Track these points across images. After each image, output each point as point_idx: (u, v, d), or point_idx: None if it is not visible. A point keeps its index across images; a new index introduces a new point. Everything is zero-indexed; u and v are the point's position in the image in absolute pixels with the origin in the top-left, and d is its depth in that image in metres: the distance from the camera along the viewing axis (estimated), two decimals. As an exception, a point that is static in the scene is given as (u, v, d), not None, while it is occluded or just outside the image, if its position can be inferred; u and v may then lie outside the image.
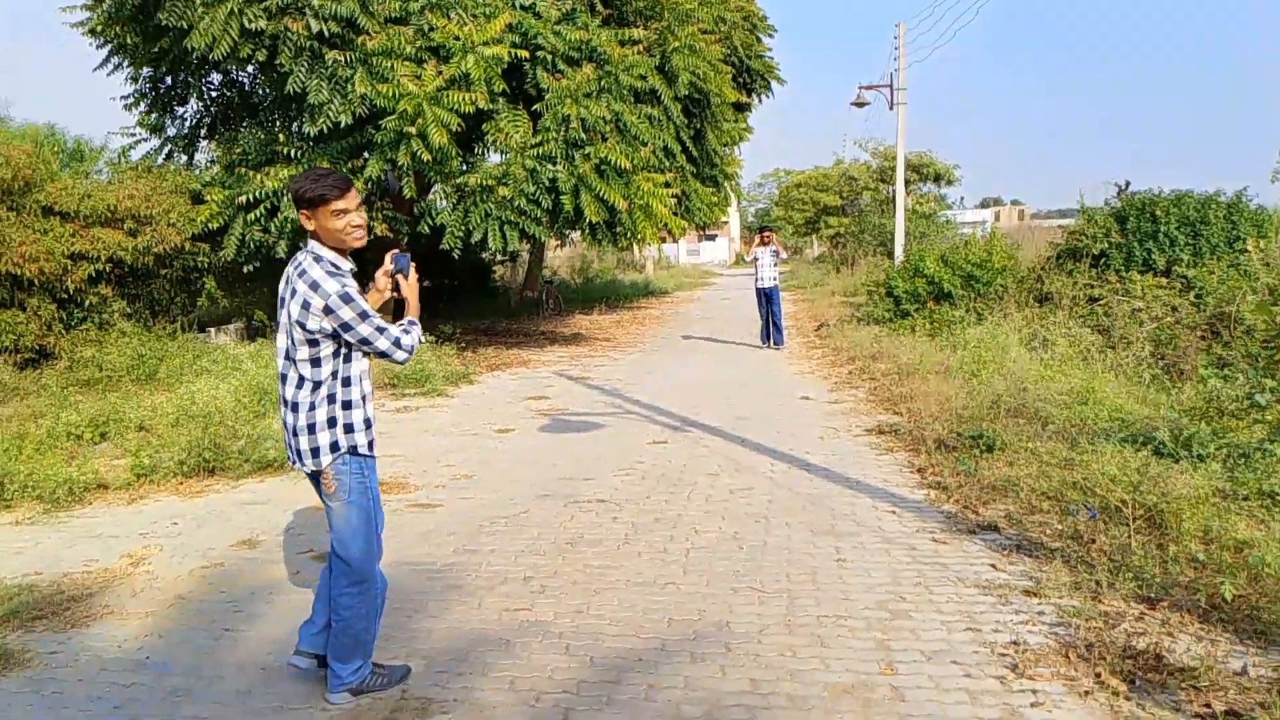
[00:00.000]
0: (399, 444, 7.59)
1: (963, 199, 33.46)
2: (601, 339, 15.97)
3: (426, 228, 12.30)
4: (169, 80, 13.95)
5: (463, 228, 11.78)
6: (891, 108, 23.17)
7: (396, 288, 3.30)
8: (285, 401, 3.12)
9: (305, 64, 10.76)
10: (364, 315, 3.01)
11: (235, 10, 10.33)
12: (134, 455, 6.60)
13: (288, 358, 3.07)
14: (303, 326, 2.97)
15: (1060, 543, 4.58)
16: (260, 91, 14.05)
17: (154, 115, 13.98)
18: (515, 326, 17.69)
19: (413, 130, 10.65)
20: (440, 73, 10.70)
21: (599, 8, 12.47)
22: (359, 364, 3.16)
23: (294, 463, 3.17)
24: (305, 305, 2.94)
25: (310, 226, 3.05)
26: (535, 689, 3.32)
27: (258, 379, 8.33)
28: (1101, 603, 3.85)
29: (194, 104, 14.27)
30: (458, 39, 10.77)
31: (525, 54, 11.38)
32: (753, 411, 8.59)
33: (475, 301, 20.40)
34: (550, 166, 11.63)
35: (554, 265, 31.55)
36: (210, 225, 11.97)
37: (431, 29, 10.86)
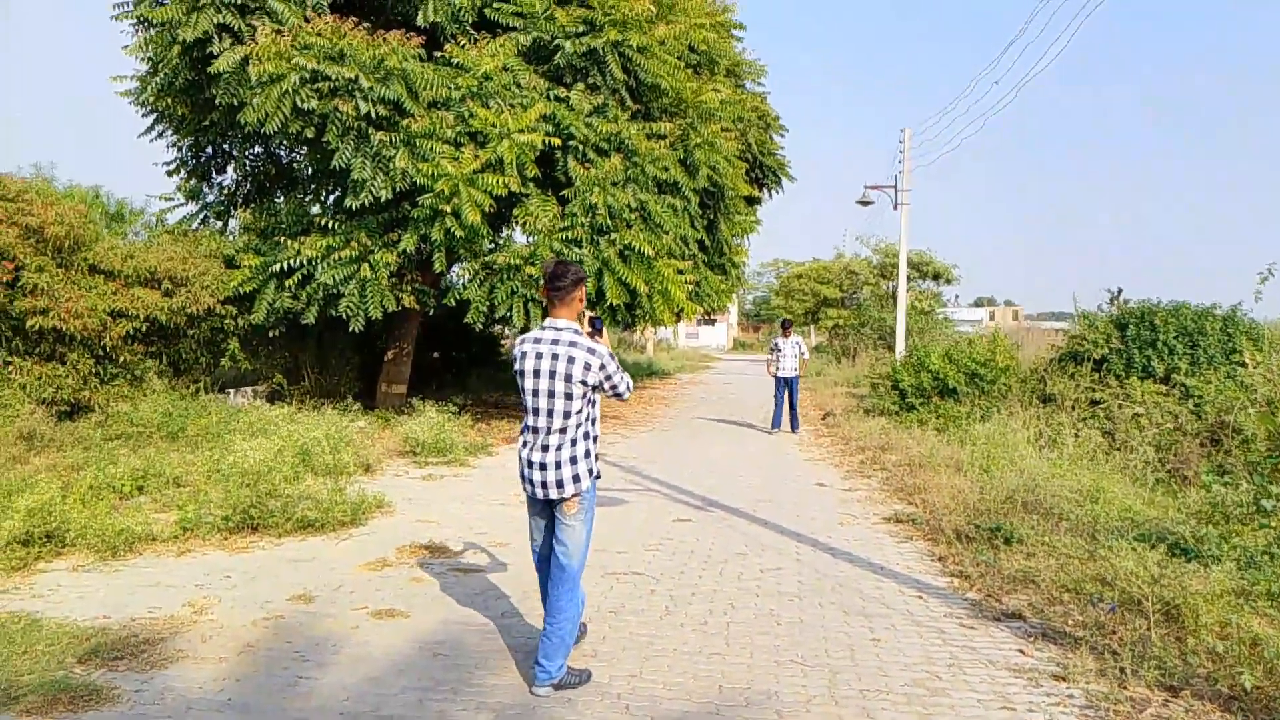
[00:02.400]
0: (432, 510, 7.81)
1: (957, 297, 34.44)
2: (611, 416, 16.26)
3: (453, 301, 12.71)
4: (210, 150, 14.55)
5: (487, 303, 12.19)
6: (895, 208, 24.04)
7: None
8: (544, 448, 3.95)
9: (352, 142, 11.31)
10: (619, 367, 4.00)
11: (290, 90, 10.90)
12: (181, 509, 6.82)
13: (551, 415, 3.92)
14: (584, 384, 3.88)
15: (1083, 632, 4.83)
16: (299, 164, 14.65)
17: (193, 182, 14.55)
18: (525, 401, 17.96)
19: (448, 209, 11.14)
20: (477, 156, 11.26)
21: (628, 103, 13.14)
22: (598, 406, 4.15)
23: (544, 495, 3.97)
24: (587, 366, 3.88)
25: (580, 303, 4.03)
26: (604, 744, 3.54)
27: (301, 440, 8.58)
28: (1127, 689, 4.09)
29: (232, 173, 14.85)
30: (494, 126, 11.36)
31: (557, 142, 11.99)
32: (771, 495, 8.85)
33: (485, 375, 20.73)
34: (577, 250, 12.11)
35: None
36: (242, 289, 12.36)
37: (471, 115, 11.45)
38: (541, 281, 4.23)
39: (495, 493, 8.70)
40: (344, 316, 11.84)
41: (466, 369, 20.30)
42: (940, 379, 14.84)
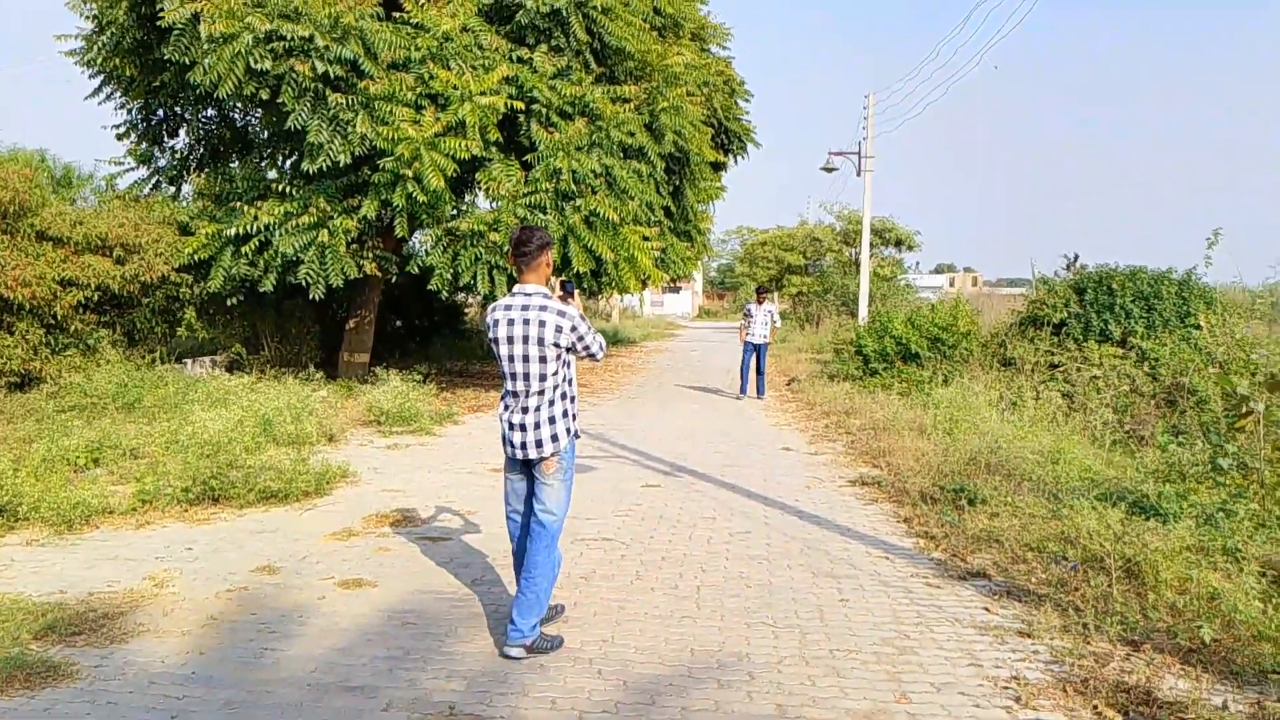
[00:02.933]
0: (398, 480, 7.73)
1: (918, 264, 34.69)
2: (579, 385, 16.21)
3: (416, 268, 12.52)
4: (161, 113, 14.11)
5: (451, 270, 12.01)
6: (859, 174, 24.09)
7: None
8: (524, 410, 4.01)
9: (308, 104, 11.02)
10: (591, 328, 4.04)
11: (243, 50, 10.57)
12: (139, 481, 6.67)
13: (529, 379, 3.96)
14: (557, 346, 3.92)
15: (1046, 589, 4.92)
16: (254, 127, 14.27)
17: (144, 146, 14.12)
18: (490, 369, 17.84)
19: (409, 173, 10.94)
20: (438, 119, 11.04)
21: (593, 66, 12.94)
22: (574, 367, 4.16)
23: (524, 456, 4.03)
24: (558, 329, 3.91)
25: (547, 267, 4.05)
26: (576, 708, 3.53)
27: (261, 410, 8.42)
28: (1090, 644, 4.17)
29: (185, 137, 14.43)
30: (456, 88, 11.13)
31: (520, 105, 11.79)
32: (738, 460, 8.89)
33: (448, 343, 20.53)
34: (541, 216, 11.96)
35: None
36: (198, 256, 12.05)
37: (431, 77, 11.20)
38: (508, 249, 4.20)
39: (462, 461, 8.64)
40: (304, 284, 11.62)
41: (430, 337, 20.08)
42: (903, 344, 14.99)
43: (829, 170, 24.44)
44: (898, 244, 34.11)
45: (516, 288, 4.04)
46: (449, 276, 11.97)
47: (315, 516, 6.46)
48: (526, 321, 3.92)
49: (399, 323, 19.90)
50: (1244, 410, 5.99)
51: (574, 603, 4.72)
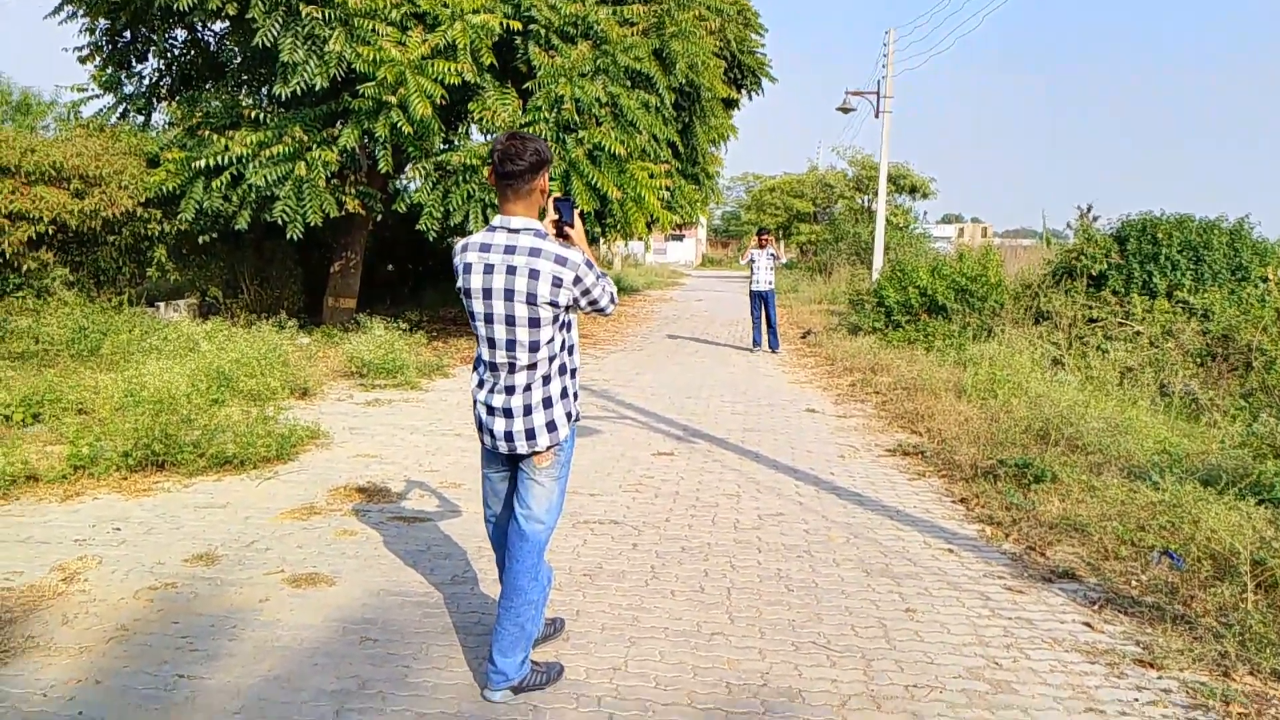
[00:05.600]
0: (373, 442, 6.81)
1: (925, 213, 33.33)
2: (580, 334, 15.26)
3: (403, 206, 11.47)
4: (128, 34, 12.90)
5: (442, 209, 10.97)
6: (877, 115, 22.82)
7: (561, 234, 3.03)
8: (508, 390, 2.95)
9: (279, 19, 9.88)
10: (599, 275, 2.96)
11: (207, -44, 9.43)
12: (72, 443, 5.73)
13: (513, 347, 2.90)
14: (554, 305, 2.85)
15: (1152, 596, 4.02)
16: (228, 51, 13.07)
17: (110, 71, 12.92)
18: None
19: (393, 100, 9.86)
20: (425, 40, 9.92)
21: (597, -17, 11.74)
22: (575, 329, 3.09)
23: (509, 450, 3.00)
24: (556, 282, 2.82)
25: (542, 195, 2.93)
26: (581, 780, 2.63)
27: (217, 363, 7.46)
28: (1234, 679, 3.28)
29: (154, 61, 13.22)
30: (445, 5, 9.99)
31: (517, 26, 10.64)
32: (758, 423, 7.96)
33: (443, 289, 19.50)
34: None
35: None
36: (166, 188, 11.00)
37: (418, -8, 10.05)
38: (488, 165, 2.95)
39: (449, 421, 7.71)
40: (280, 221, 10.58)
41: (423, 283, 19.05)
42: (929, 295, 13.98)
43: (846, 110, 23.15)
44: (912, 191, 32.81)
45: (498, 219, 2.90)
46: (439, 215, 10.93)
47: (274, 488, 5.54)
48: (511, 270, 2.82)
49: (391, 267, 18.86)
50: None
51: (576, 611, 3.81)
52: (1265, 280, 10.61)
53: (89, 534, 4.62)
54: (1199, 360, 9.81)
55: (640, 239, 13.95)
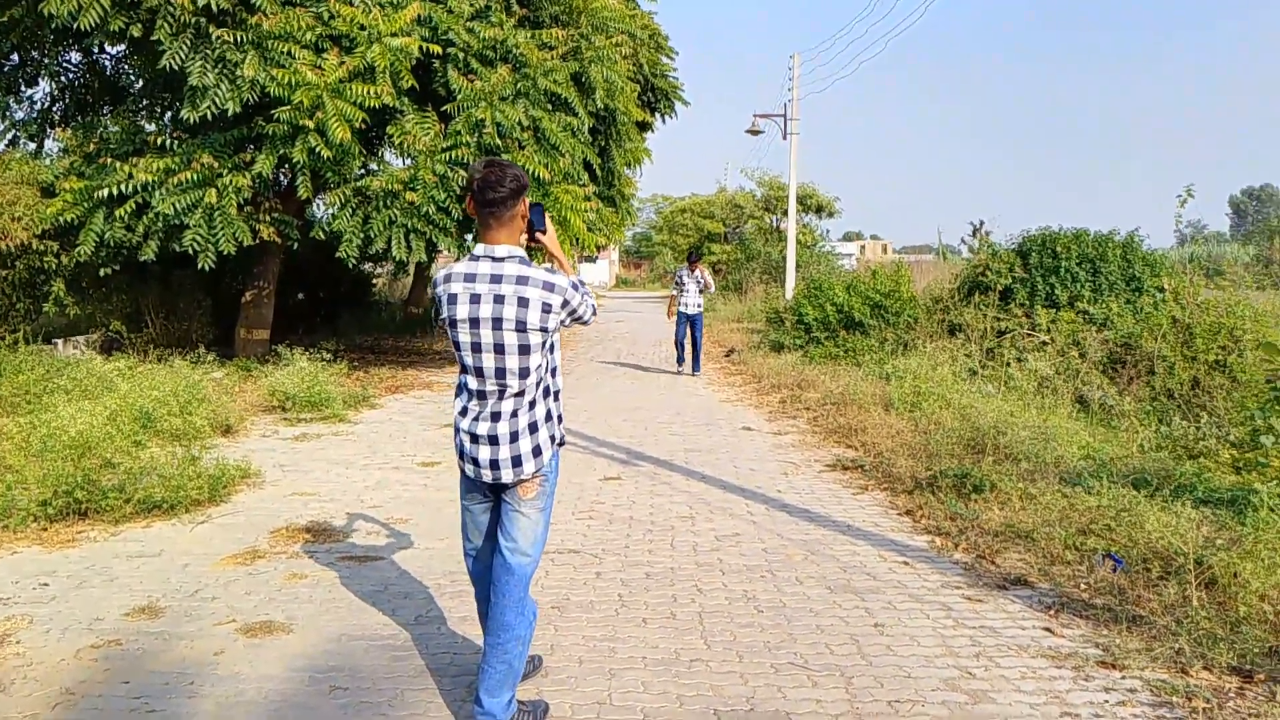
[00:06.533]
0: (308, 479, 6.56)
1: (828, 231, 34.28)
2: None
3: (322, 233, 11.16)
4: (16, 57, 12.22)
5: (361, 235, 10.72)
6: (785, 137, 23.39)
7: (532, 240, 3.01)
8: (495, 416, 2.90)
9: (188, 41, 9.52)
10: (584, 292, 2.96)
11: (108, -24, 9.03)
12: (-21, 494, 5.34)
13: (503, 374, 2.85)
14: (544, 331, 2.84)
15: (1103, 599, 4.18)
16: (128, 75, 12.53)
17: (-4, 95, 12.23)
18: (404, 345, 16.51)
19: (311, 124, 9.60)
20: (343, 63, 9.71)
21: (514, 7, 11.73)
22: (558, 350, 3.07)
23: (495, 479, 2.95)
24: (545, 308, 2.81)
25: (523, 220, 2.91)
26: (585, 821, 2.57)
27: (138, 401, 7.07)
28: (1192, 675, 3.43)
29: (46, 85, 12.57)
30: (363, 27, 9.82)
31: (436, 49, 10.51)
32: (698, 443, 8.00)
33: (356, 317, 19.01)
34: (463, 172, 10.76)
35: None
36: (63, 218, 10.44)
37: (334, 16, 9.84)
38: (468, 193, 2.85)
39: (385, 453, 7.49)
40: (190, 251, 10.15)
41: (337, 311, 18.53)
42: (845, 312, 14.35)
43: (754, 133, 23.68)
44: (818, 210, 33.71)
45: (480, 248, 2.86)
46: (359, 243, 10.67)
47: (210, 532, 5.27)
48: (500, 299, 2.79)
49: (301, 295, 18.29)
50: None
51: (550, 645, 3.73)
52: (1162, 290, 11.24)
53: (12, 591, 4.30)
54: (1105, 368, 10.31)
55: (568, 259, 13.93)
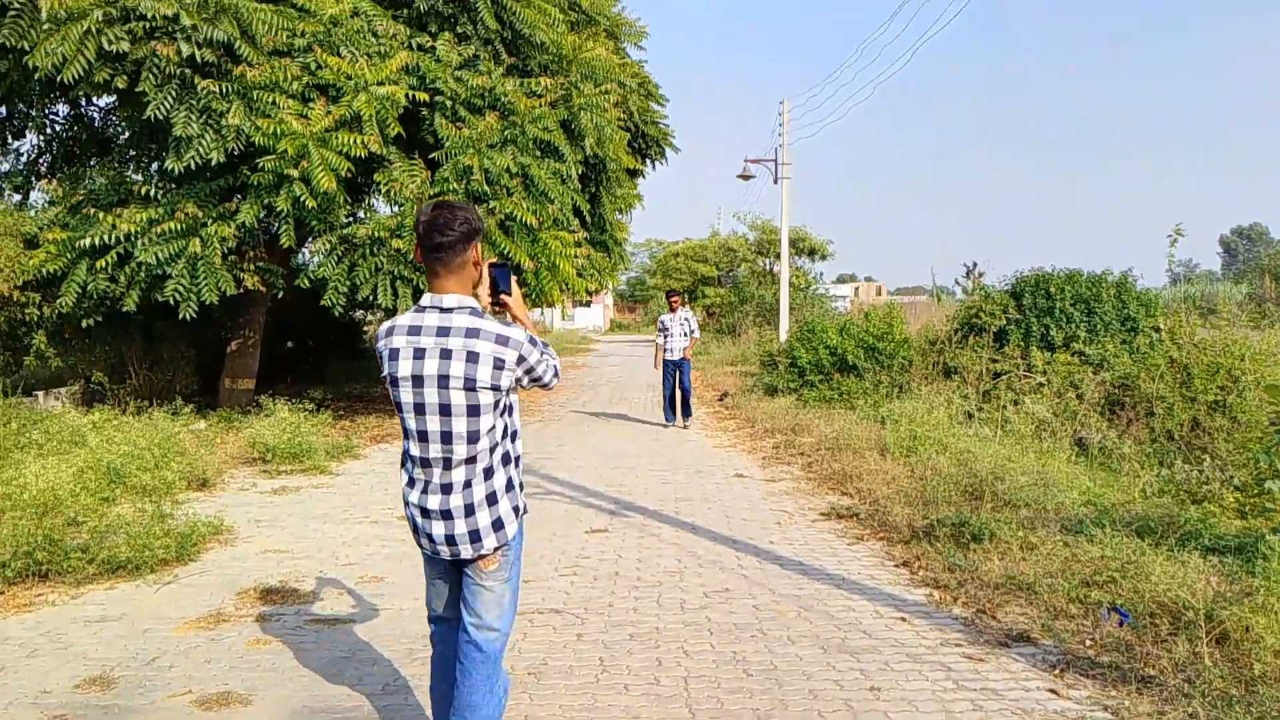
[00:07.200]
0: (283, 535, 6.33)
1: (821, 274, 34.14)
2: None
3: (306, 281, 11.04)
4: (3, 110, 12.21)
5: (348, 283, 10.60)
6: (776, 181, 23.48)
7: (498, 303, 2.79)
8: (445, 489, 2.63)
9: (173, 92, 9.48)
10: (544, 348, 2.72)
11: (93, 30, 9.02)
12: (-65, 557, 5.11)
13: (450, 441, 2.59)
14: (496, 390, 2.58)
15: (1109, 656, 3.96)
16: (114, 126, 12.51)
17: (-19, 148, 12.20)
18: (394, 393, 16.28)
19: (295, 173, 9.53)
20: (329, 112, 9.68)
21: (504, 56, 11.75)
22: (516, 412, 2.80)
23: (452, 556, 2.69)
24: (498, 364, 2.56)
25: (475, 268, 2.66)
26: None
27: (106, 457, 6.86)
28: (1207, 742, 3.21)
29: (32, 138, 12.56)
30: (349, 77, 9.80)
31: (424, 97, 10.50)
32: (689, 492, 7.78)
33: (345, 365, 18.82)
34: (450, 220, 10.66)
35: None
36: (46, 270, 10.33)
37: (320, 66, 9.84)
38: (415, 237, 2.62)
39: (364, 506, 7.27)
40: (171, 301, 10.00)
41: (324, 359, 18.35)
42: (839, 355, 14.21)
43: (746, 178, 23.77)
44: (811, 253, 33.77)
45: (427, 298, 2.61)
46: (345, 290, 10.54)
47: (175, 594, 5.04)
48: (446, 354, 2.54)
49: (290, 344, 18.14)
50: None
51: (524, 716, 3.50)
52: (1158, 330, 11.13)
53: (-42, 662, 4.07)
54: (1103, 410, 10.15)
55: (554, 306, 13.79)
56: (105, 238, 9.89)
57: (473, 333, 2.55)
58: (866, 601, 4.86)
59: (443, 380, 2.54)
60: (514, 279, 2.83)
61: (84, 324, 11.08)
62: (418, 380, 2.56)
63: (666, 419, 12.44)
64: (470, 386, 2.54)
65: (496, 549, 2.68)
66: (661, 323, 12.57)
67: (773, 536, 6.24)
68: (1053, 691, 3.71)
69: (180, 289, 9.93)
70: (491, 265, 2.76)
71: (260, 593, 5.02)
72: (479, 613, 2.73)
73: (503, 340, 2.57)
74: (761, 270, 34.20)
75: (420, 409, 2.58)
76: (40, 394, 11.68)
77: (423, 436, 2.61)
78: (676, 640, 4.29)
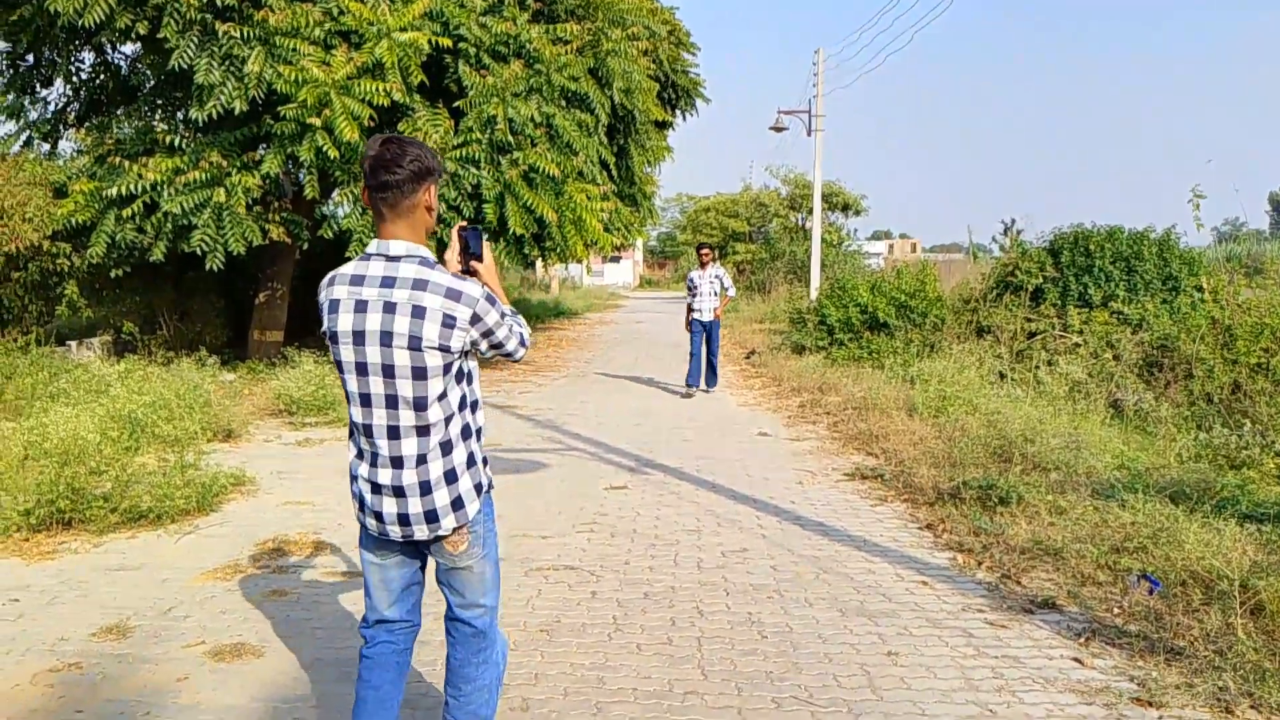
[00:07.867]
0: (304, 487, 6.35)
1: (855, 230, 33.50)
2: (520, 362, 14.88)
3: (330, 233, 11.01)
4: (31, 58, 12.19)
5: (372, 235, 10.52)
6: (810, 133, 22.99)
7: (468, 270, 2.48)
8: (396, 462, 2.35)
9: (194, 39, 9.39)
10: (507, 312, 2.45)
11: (113, -27, 8.92)
12: (-40, 503, 5.18)
13: (395, 407, 2.32)
14: (446, 350, 2.28)
15: (1138, 625, 3.84)
16: (140, 74, 12.45)
17: (11, 97, 12.19)
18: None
19: (318, 122, 9.44)
20: (351, 59, 9.54)
21: (528, 1, 11.49)
22: (477, 380, 2.53)
23: (404, 536, 2.43)
24: (447, 322, 2.26)
25: (428, 213, 2.37)
26: None
27: (128, 407, 6.91)
28: (1235, 716, 3.09)
29: (61, 86, 12.53)
30: (371, 23, 9.63)
31: (447, 43, 10.30)
32: (711, 450, 7.70)
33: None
34: (474, 171, 10.56)
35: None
36: (75, 220, 10.39)
37: (342, 11, 9.68)
38: (362, 175, 2.34)
39: (387, 459, 7.27)
40: (198, 252, 10.02)
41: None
42: (869, 313, 13.96)
43: (779, 130, 23.28)
44: (845, 208, 33.24)
45: (374, 245, 2.33)
46: (368, 241, 10.48)
47: (195, 544, 5.07)
48: (390, 307, 2.25)
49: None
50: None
51: (534, 674, 3.47)
52: (1200, 290, 10.79)
53: (-20, 608, 4.11)
54: (1141, 371, 9.89)
55: (579, 261, 13.68)
56: (131, 187, 9.90)
57: (420, 284, 2.26)
58: (887, 564, 4.77)
59: (385, 337, 2.27)
60: (486, 242, 2.55)
61: (114, 274, 11.17)
62: (358, 336, 2.29)
63: (689, 380, 11.26)
64: (415, 346, 2.26)
65: (457, 529, 2.43)
66: (690, 280, 11.34)
67: (794, 496, 6.14)
68: (1077, 660, 3.60)
69: (207, 239, 9.93)
70: (462, 228, 2.52)
71: (279, 544, 5.03)
72: (460, 591, 2.55)
73: (454, 294, 2.27)
74: (794, 226, 33.74)
75: (362, 369, 2.31)
76: (73, 344, 11.81)
77: (365, 400, 2.34)
78: (692, 600, 4.23)
